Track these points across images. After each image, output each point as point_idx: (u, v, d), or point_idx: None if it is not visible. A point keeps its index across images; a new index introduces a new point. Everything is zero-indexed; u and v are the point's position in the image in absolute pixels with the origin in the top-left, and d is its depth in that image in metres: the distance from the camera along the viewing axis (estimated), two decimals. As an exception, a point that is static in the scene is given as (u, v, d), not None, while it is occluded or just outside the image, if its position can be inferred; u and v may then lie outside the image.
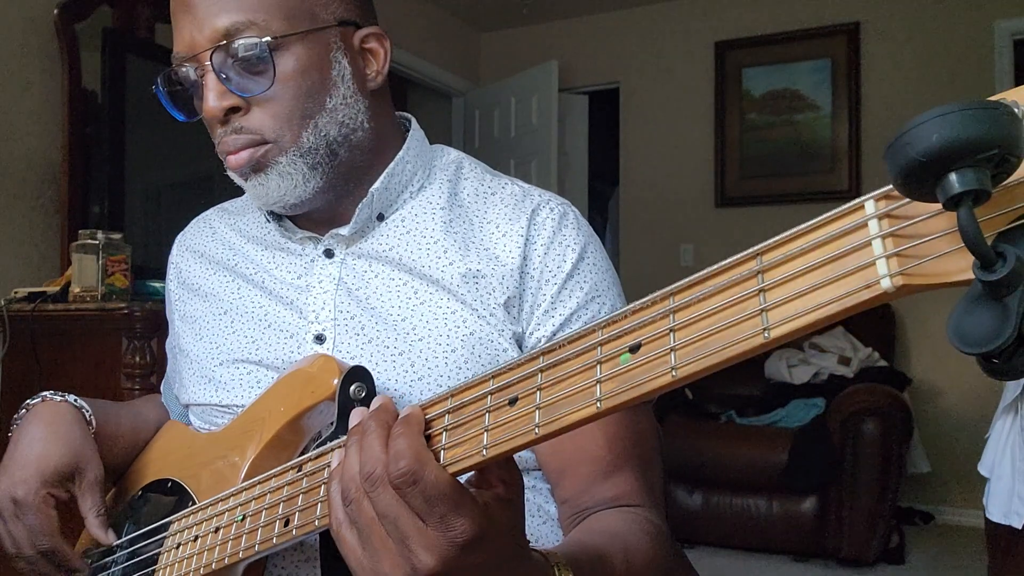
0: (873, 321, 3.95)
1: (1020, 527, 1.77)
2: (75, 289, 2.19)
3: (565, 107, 4.78)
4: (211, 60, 0.77)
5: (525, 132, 4.70)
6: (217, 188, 2.89)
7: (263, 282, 0.89)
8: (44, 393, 0.89)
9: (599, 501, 0.79)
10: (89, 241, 2.18)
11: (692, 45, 4.74)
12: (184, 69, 0.81)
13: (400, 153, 0.88)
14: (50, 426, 0.85)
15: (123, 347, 2.07)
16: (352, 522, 0.55)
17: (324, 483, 0.63)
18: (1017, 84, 4.11)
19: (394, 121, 0.91)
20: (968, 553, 3.48)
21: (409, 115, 0.94)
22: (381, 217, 0.87)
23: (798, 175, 4.47)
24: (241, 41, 0.77)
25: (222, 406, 0.87)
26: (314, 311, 0.84)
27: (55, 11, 2.52)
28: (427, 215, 0.87)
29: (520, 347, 0.83)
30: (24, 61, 2.53)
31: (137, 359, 2.06)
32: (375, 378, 0.79)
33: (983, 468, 1.94)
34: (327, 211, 0.87)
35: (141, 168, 2.59)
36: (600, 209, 5.90)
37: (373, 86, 0.85)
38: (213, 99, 0.78)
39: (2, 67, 2.48)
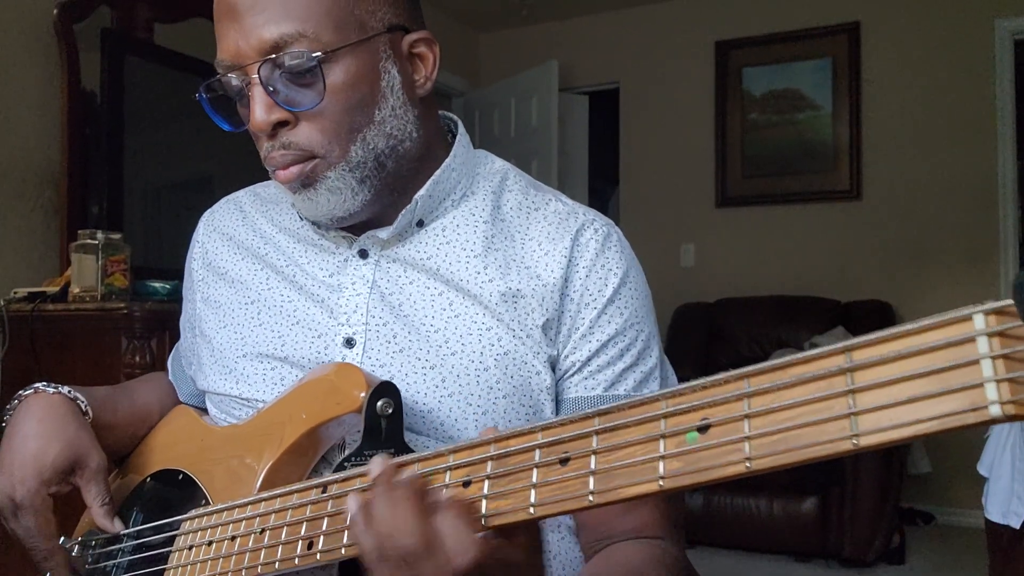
0: (873, 321, 3.95)
1: (1019, 527, 1.77)
2: (75, 289, 2.19)
3: (565, 107, 4.78)
4: (259, 73, 0.75)
5: (525, 132, 4.70)
6: (217, 188, 2.89)
7: (294, 276, 0.87)
8: (37, 384, 0.86)
9: (619, 532, 0.78)
10: (88, 241, 2.18)
11: (692, 45, 4.74)
12: (228, 77, 0.78)
13: (447, 160, 0.86)
14: (44, 421, 0.83)
15: (123, 347, 2.07)
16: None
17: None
18: (1017, 84, 4.12)
19: (439, 125, 0.89)
20: (969, 553, 3.48)
21: (455, 117, 0.92)
22: (421, 223, 0.85)
23: (799, 175, 4.47)
24: (290, 54, 0.74)
25: (242, 399, 0.85)
26: (345, 313, 0.82)
27: (54, 11, 2.52)
28: (469, 227, 0.85)
29: (553, 370, 0.82)
30: (23, 61, 2.53)
31: (137, 359, 2.06)
32: (404, 390, 0.77)
33: (982, 468, 1.94)
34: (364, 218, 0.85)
35: (140, 168, 2.59)
36: (601, 209, 5.89)
37: (422, 93, 0.83)
38: (261, 113, 0.75)
39: (2, 67, 2.48)
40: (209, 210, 1.00)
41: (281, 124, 0.77)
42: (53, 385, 0.87)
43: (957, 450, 3.85)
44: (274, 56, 0.74)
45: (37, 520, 0.81)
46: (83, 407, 0.87)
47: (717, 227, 4.66)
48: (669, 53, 4.80)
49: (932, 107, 4.20)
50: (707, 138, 4.69)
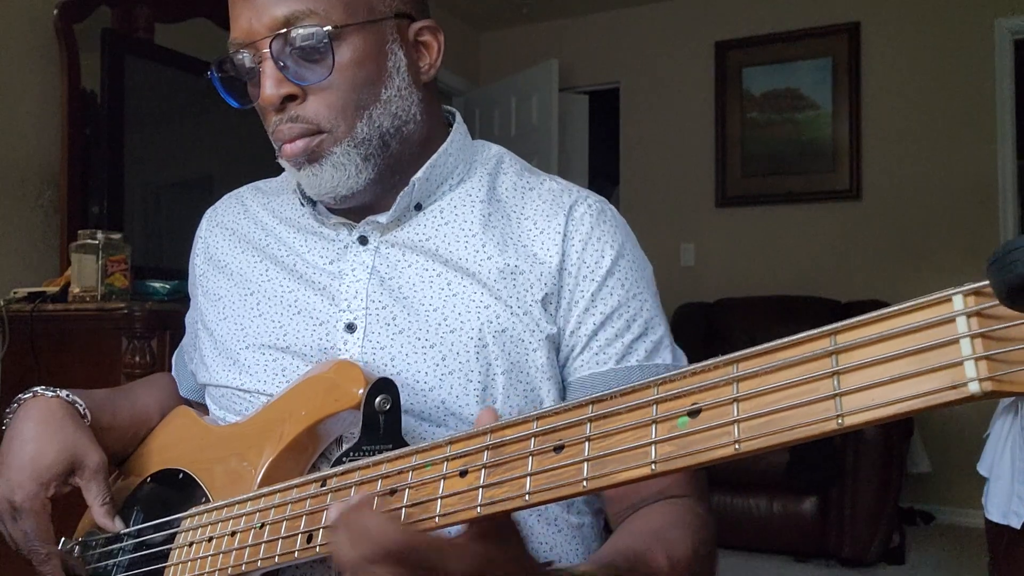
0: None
1: (1019, 527, 1.77)
2: (75, 289, 2.19)
3: (565, 106, 4.78)
4: (270, 47, 0.77)
5: (525, 131, 4.70)
6: (217, 187, 2.89)
7: (294, 266, 0.88)
8: (35, 388, 0.87)
9: (647, 496, 0.78)
10: (89, 241, 2.18)
11: (692, 45, 4.74)
12: (240, 56, 0.81)
13: (444, 145, 0.87)
14: (41, 424, 0.84)
15: (123, 347, 2.07)
16: None
17: None
18: (1017, 84, 4.12)
19: (441, 115, 0.92)
20: (968, 553, 3.48)
21: (453, 109, 0.95)
22: (419, 207, 0.87)
23: (799, 174, 4.47)
24: (300, 30, 0.76)
25: (243, 390, 0.86)
26: (346, 299, 0.83)
27: (54, 12, 2.52)
28: (466, 208, 0.86)
29: (557, 349, 0.82)
30: (24, 62, 2.53)
31: (137, 359, 2.06)
32: (405, 369, 0.78)
33: (982, 468, 1.94)
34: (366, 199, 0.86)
35: (140, 168, 2.59)
36: (600, 209, 5.89)
37: (426, 79, 0.86)
38: (270, 86, 0.78)
39: (2, 67, 2.48)
40: (212, 207, 1.01)
41: (290, 98, 0.79)
42: (52, 389, 0.87)
43: (957, 450, 3.85)
44: (284, 31, 0.77)
45: (36, 524, 0.82)
46: (81, 410, 0.88)
47: (717, 227, 4.66)
48: (669, 53, 4.80)
49: (932, 107, 4.20)
50: (707, 138, 4.69)
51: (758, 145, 4.58)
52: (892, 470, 3.35)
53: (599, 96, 5.05)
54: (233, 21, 0.81)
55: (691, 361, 0.79)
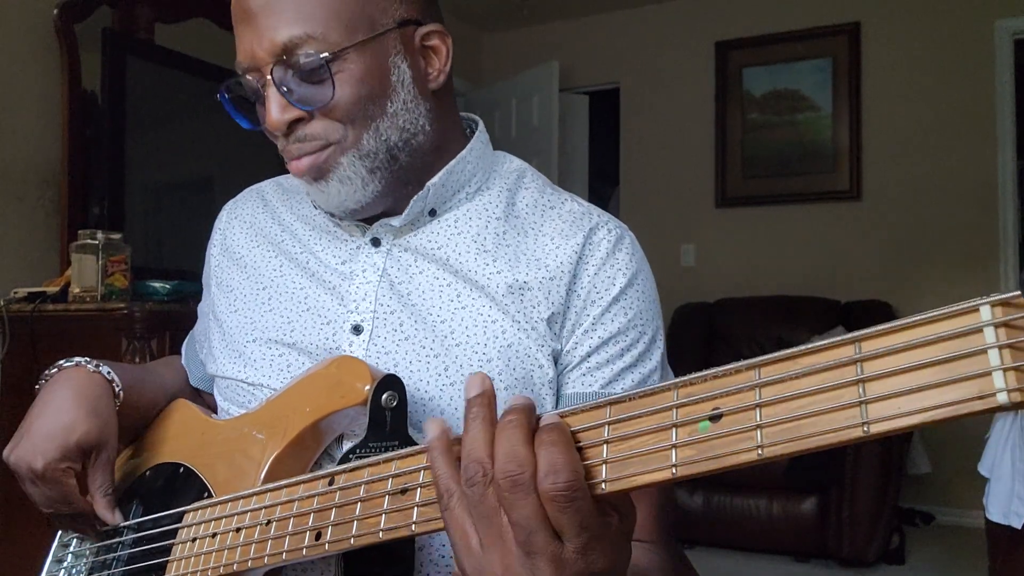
0: (873, 320, 3.94)
1: (1020, 527, 1.77)
2: (75, 289, 2.19)
3: (565, 107, 4.78)
4: (271, 75, 0.77)
5: (526, 132, 4.71)
6: (217, 188, 2.89)
7: (307, 263, 0.88)
8: (78, 359, 0.88)
9: None
10: (89, 241, 2.18)
11: (692, 45, 4.74)
12: (247, 79, 0.81)
13: (463, 152, 0.87)
14: (80, 397, 0.84)
15: (123, 347, 2.07)
16: (471, 505, 0.51)
17: (360, 501, 0.61)
18: (1017, 84, 4.12)
19: (457, 121, 0.91)
20: (968, 553, 3.48)
21: (476, 117, 0.94)
22: (433, 213, 0.87)
23: (799, 175, 4.47)
24: (300, 55, 0.76)
25: (248, 383, 0.86)
26: (355, 300, 0.83)
27: (55, 12, 2.52)
28: (481, 221, 0.86)
29: (557, 365, 0.82)
30: (24, 62, 2.53)
31: (137, 359, 2.06)
32: (408, 378, 0.78)
33: (983, 468, 1.95)
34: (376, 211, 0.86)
35: (141, 169, 2.59)
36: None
37: (435, 86, 0.85)
38: (276, 113, 0.78)
39: (2, 68, 2.48)
40: (232, 200, 1.02)
41: (296, 121, 0.79)
42: (92, 362, 0.88)
43: (957, 450, 3.85)
44: (285, 58, 0.77)
45: (62, 490, 0.82)
46: (116, 390, 0.88)
47: (717, 227, 4.66)
48: (669, 53, 4.80)
49: (932, 107, 4.20)
50: (707, 138, 4.69)
51: (758, 146, 4.58)
52: (892, 471, 3.35)
53: (599, 96, 5.05)
54: (237, 43, 0.81)
55: (688, 365, 0.78)
